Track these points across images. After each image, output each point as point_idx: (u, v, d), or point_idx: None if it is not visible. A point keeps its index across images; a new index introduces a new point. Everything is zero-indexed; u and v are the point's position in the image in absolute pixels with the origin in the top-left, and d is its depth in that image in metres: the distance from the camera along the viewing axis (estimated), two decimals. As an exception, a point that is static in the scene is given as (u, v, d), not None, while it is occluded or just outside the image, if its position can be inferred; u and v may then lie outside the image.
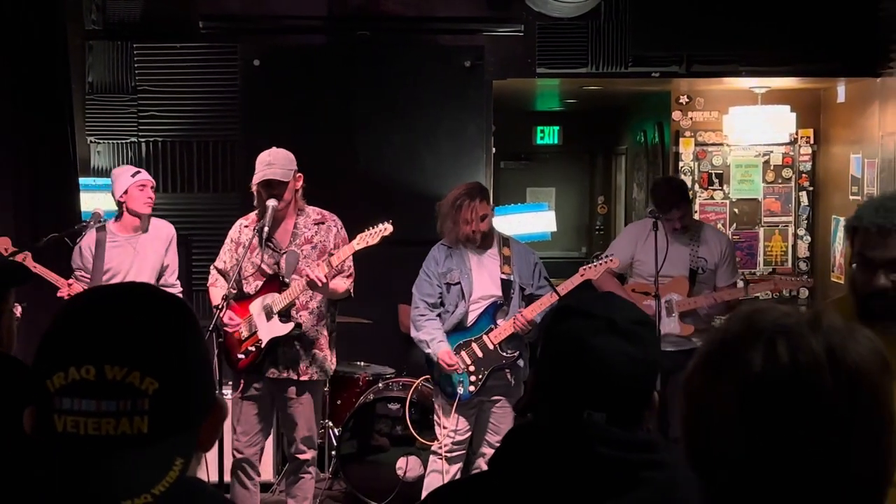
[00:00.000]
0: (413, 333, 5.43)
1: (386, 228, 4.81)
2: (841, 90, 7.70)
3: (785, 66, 7.18)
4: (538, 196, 11.16)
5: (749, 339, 1.20)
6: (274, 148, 4.97)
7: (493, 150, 7.48)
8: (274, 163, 4.85)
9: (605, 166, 11.65)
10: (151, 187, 5.67)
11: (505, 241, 5.49)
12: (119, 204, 5.63)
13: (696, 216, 8.02)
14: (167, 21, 7.12)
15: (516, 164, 11.69)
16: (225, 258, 5.18)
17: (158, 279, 5.67)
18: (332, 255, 4.85)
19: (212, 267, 5.29)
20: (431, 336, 5.29)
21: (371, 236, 4.82)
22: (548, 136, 11.51)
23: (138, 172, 5.65)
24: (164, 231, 5.77)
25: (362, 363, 6.76)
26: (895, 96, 6.77)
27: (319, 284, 4.75)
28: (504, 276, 5.36)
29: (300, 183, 5.02)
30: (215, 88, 7.18)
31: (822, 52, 7.05)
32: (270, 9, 7.18)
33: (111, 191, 5.67)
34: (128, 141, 7.20)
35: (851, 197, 7.48)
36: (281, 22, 7.19)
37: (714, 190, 8.24)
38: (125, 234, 5.64)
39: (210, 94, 7.18)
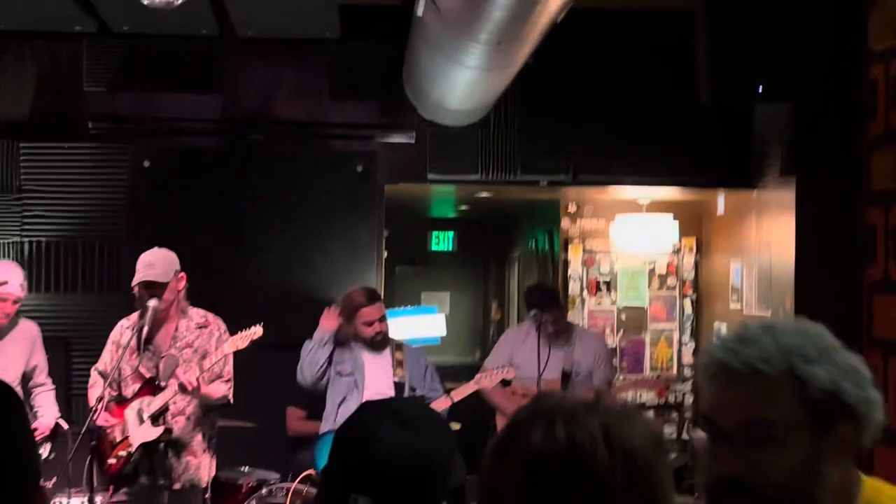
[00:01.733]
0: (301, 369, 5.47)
1: (256, 332, 4.81)
2: (721, 202, 7.99)
3: (666, 178, 7.44)
4: (433, 301, 11.24)
5: (532, 420, 1.26)
6: (156, 248, 4.93)
7: (386, 253, 7.52)
8: (154, 263, 4.81)
9: (499, 272, 11.81)
10: (13, 301, 5.53)
11: (398, 345, 5.55)
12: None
13: (585, 323, 8.17)
14: (56, 120, 7.06)
15: (411, 269, 11.79)
16: (106, 360, 5.08)
17: (28, 380, 5.52)
18: (205, 358, 4.80)
19: (93, 369, 5.19)
20: None
21: (241, 339, 4.81)
22: (443, 241, 11.66)
23: (3, 284, 5.52)
24: (27, 332, 5.64)
25: (246, 468, 6.60)
26: (771, 207, 7.04)
27: (189, 388, 4.68)
28: (397, 380, 5.38)
29: (182, 284, 4.98)
30: (103, 189, 7.11)
31: (702, 165, 7.34)
32: (162, 110, 7.18)
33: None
34: (10, 241, 7.05)
35: (732, 305, 7.70)
36: (173, 124, 7.19)
37: (602, 296, 8.40)
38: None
39: (97, 194, 7.10)
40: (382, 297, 6.06)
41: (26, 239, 7.05)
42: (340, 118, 7.27)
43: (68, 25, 6.74)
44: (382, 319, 5.29)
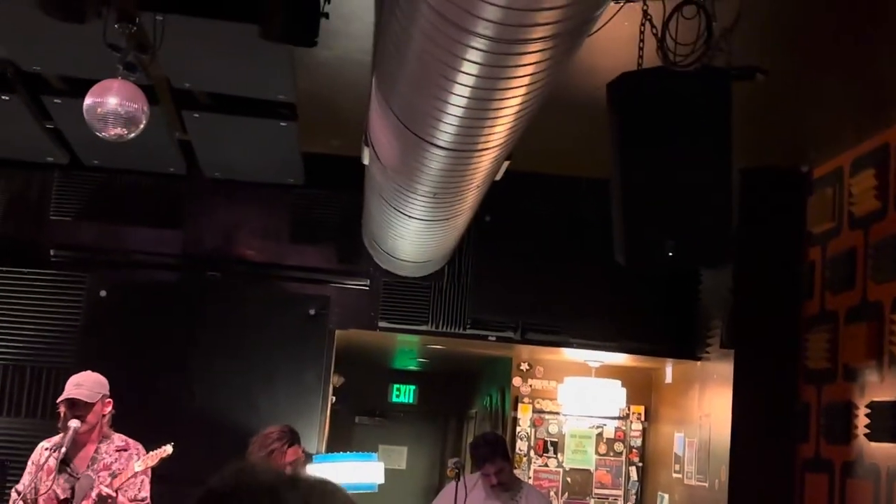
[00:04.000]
0: None
1: (165, 450, 4.86)
2: (669, 371, 8.09)
3: (613, 343, 7.56)
4: (390, 454, 11.20)
5: (233, 495, 1.32)
6: (88, 371, 5.01)
7: (334, 399, 7.57)
8: (82, 384, 4.88)
9: (458, 428, 11.79)
10: None
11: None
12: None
13: (531, 482, 8.13)
14: (20, 246, 7.23)
15: (371, 421, 11.78)
16: (25, 480, 5.08)
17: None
18: (115, 475, 4.81)
19: (13, 490, 5.17)
20: None
21: (151, 458, 4.84)
22: (403, 394, 11.69)
23: None
24: None
25: None
26: (712, 379, 7.14)
27: (105, 495, 4.68)
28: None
29: (108, 408, 5.02)
30: (58, 316, 7.21)
31: (648, 332, 7.47)
32: (125, 243, 7.36)
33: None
34: (-38, 361, 7.11)
35: (674, 475, 7.71)
36: (133, 256, 7.35)
37: (548, 457, 8.41)
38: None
39: (52, 321, 7.20)
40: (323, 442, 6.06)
41: (-21, 360, 7.11)
42: (298, 261, 7.45)
43: (41, 156, 6.99)
44: (297, 461, 5.31)
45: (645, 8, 4.25)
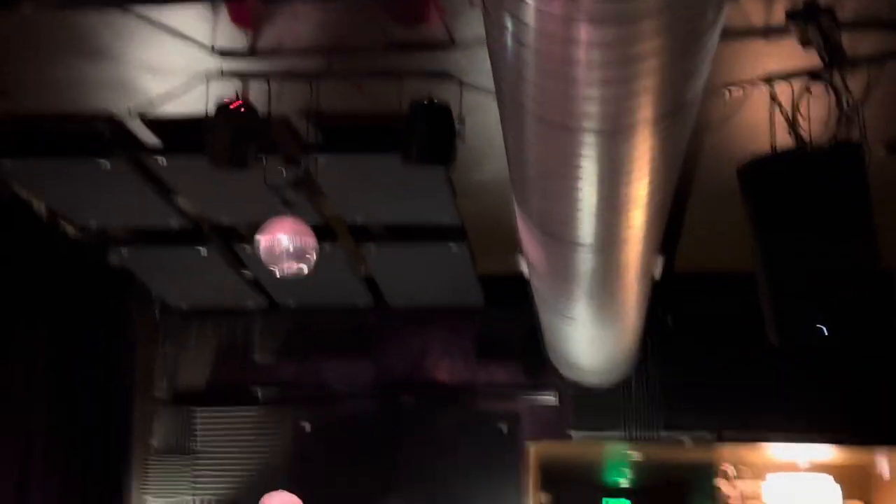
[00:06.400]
0: None
1: None
2: (885, 465, 7.65)
3: (817, 434, 7.25)
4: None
5: None
6: (282, 491, 5.29)
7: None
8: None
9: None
10: None
11: None
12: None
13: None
14: (227, 388, 7.76)
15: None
16: None
17: None
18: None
19: None
20: None
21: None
22: (617, 510, 11.45)
23: None
24: None
25: None
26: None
27: None
28: None
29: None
30: (267, 450, 7.63)
31: (856, 420, 7.14)
32: (322, 377, 7.77)
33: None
34: (181, 499, 7.60)
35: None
36: (332, 389, 7.74)
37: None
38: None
39: (261, 455, 7.63)
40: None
41: (196, 497, 7.59)
42: (486, 380, 7.64)
43: (241, 302, 7.55)
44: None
45: (773, 93, 4.32)
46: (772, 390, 7.18)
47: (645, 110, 2.94)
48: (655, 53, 2.61)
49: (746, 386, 7.24)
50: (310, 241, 4.79)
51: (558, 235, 4.09)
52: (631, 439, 7.45)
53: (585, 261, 4.37)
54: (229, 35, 4.24)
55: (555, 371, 7.37)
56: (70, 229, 6.43)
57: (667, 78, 2.78)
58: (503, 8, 2.58)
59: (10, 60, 4.65)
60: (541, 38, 2.59)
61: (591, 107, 2.92)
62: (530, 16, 2.49)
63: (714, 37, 2.76)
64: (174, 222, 6.19)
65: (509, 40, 2.70)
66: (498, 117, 3.41)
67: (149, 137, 5.16)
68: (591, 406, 7.47)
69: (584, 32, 2.50)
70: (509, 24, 2.61)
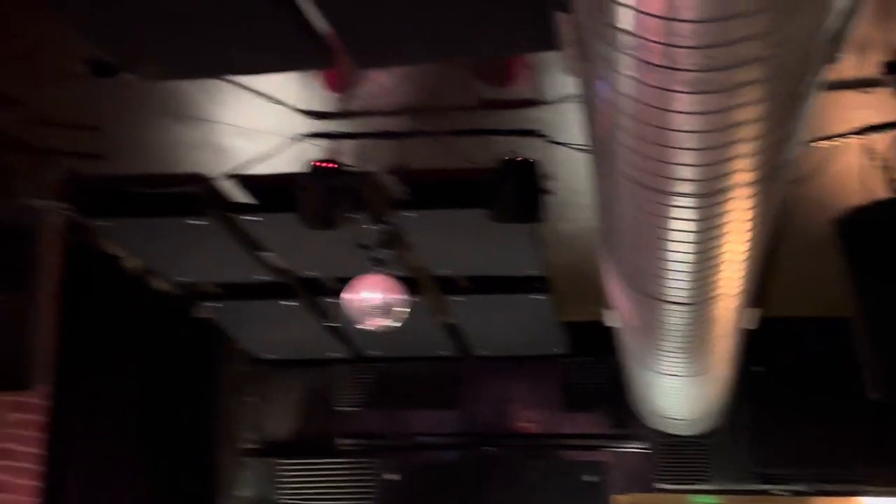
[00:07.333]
0: None
1: None
2: None
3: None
4: None
5: None
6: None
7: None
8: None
9: None
10: None
11: None
12: None
13: None
14: (309, 439, 7.81)
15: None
16: None
17: None
18: None
19: None
20: None
21: None
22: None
23: None
24: None
25: None
26: None
27: None
28: None
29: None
30: (351, 501, 7.65)
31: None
32: (406, 426, 7.77)
33: None
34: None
35: None
36: (416, 439, 7.75)
37: None
38: None
39: (344, 506, 7.67)
40: None
41: (285, 549, 7.64)
42: (571, 429, 7.58)
43: (325, 353, 7.61)
44: None
45: (867, 144, 4.26)
46: (867, 441, 7.00)
47: (741, 175, 2.91)
48: (754, 120, 2.58)
49: (841, 435, 7.07)
50: (399, 297, 4.82)
51: (649, 292, 4.05)
52: (720, 492, 7.30)
53: (676, 317, 4.32)
54: (320, 98, 4.30)
55: (641, 420, 7.28)
56: (160, 284, 6.55)
57: (764, 143, 2.75)
58: (599, 77, 2.58)
59: (106, 124, 4.77)
60: (637, 105, 2.59)
61: (686, 172, 2.90)
62: (628, 85, 2.49)
63: (812, 100, 2.73)
64: (262, 276, 6.27)
65: (604, 107, 2.70)
66: (584, 169, 3.40)
67: (240, 196, 5.24)
68: (678, 457, 7.35)
69: (681, 102, 2.49)
70: (605, 92, 2.61)
